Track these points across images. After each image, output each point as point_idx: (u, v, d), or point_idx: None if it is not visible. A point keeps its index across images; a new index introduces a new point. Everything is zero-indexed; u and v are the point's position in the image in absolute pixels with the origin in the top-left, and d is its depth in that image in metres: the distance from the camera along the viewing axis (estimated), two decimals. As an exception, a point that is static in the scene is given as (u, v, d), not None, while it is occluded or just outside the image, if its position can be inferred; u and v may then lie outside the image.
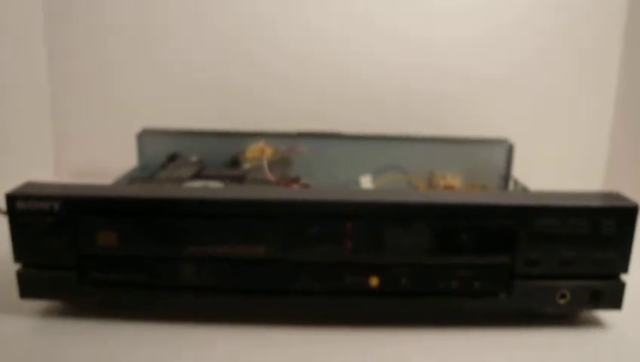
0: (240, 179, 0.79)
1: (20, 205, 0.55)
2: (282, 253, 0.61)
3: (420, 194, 0.69)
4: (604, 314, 0.65)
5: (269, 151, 0.87)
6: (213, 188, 0.70)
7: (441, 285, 0.63)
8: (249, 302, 0.62)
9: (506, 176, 0.93)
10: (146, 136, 0.96)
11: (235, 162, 0.91)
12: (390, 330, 0.62)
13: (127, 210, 0.57)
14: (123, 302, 0.62)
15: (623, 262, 0.60)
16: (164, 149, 0.95)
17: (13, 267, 0.57)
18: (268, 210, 0.59)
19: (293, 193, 0.63)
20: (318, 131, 0.93)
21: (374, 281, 0.63)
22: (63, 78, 1.13)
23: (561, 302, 0.61)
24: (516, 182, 0.87)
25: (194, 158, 0.91)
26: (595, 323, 0.63)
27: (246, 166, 0.88)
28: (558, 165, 1.16)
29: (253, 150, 0.89)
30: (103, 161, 1.07)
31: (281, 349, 0.58)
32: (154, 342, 0.56)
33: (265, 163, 0.83)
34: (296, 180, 0.79)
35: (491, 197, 0.65)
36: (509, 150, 0.94)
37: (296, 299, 0.62)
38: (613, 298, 0.61)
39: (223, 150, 0.93)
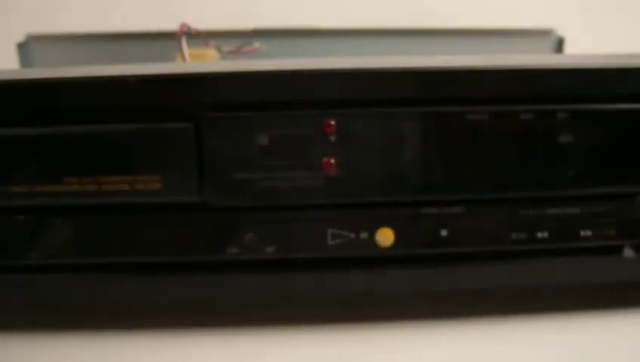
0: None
1: None
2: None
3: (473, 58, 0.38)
4: None
5: (212, 57, 0.64)
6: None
7: (515, 237, 0.39)
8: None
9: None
10: (31, 45, 0.69)
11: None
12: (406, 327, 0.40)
13: None
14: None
15: None
16: (59, 61, 0.70)
17: None
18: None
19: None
20: (281, 27, 0.69)
21: (386, 236, 0.38)
22: None
23: None
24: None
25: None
26: None
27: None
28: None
29: (190, 57, 0.63)
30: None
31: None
32: None
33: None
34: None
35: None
36: (558, 44, 0.71)
37: (239, 278, 0.39)
38: None
39: (147, 58, 0.68)
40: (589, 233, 0.39)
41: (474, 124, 0.36)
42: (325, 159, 0.36)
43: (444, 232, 0.38)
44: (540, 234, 0.39)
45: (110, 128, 0.36)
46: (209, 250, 0.38)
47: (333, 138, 0.36)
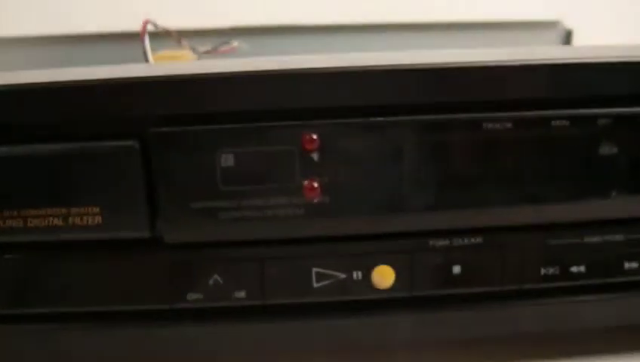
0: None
1: None
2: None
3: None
4: None
5: (186, 59, 0.57)
6: None
7: (545, 273, 0.32)
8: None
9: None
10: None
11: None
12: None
13: None
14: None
15: None
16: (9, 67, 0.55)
17: None
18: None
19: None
20: (263, 24, 0.64)
21: (385, 276, 0.31)
22: None
23: None
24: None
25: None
26: None
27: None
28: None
29: (162, 59, 0.56)
30: None
31: None
32: None
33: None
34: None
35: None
36: (566, 37, 0.66)
37: (203, 330, 0.32)
38: None
39: (111, 63, 0.53)
40: (634, 265, 0.31)
41: (493, 135, 0.29)
42: (306, 182, 0.29)
43: (456, 269, 0.31)
44: (575, 269, 0.31)
45: (37, 149, 0.29)
46: (165, 297, 0.31)
47: (315, 156, 0.28)
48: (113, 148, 0.29)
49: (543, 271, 0.31)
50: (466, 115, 0.29)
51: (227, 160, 0.29)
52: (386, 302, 0.31)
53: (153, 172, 0.29)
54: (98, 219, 0.29)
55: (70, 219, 0.29)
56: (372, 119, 0.28)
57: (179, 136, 0.28)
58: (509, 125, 0.29)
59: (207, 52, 0.59)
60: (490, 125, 0.29)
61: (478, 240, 0.31)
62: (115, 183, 0.29)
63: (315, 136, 0.28)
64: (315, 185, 0.29)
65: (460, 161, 0.29)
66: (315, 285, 0.31)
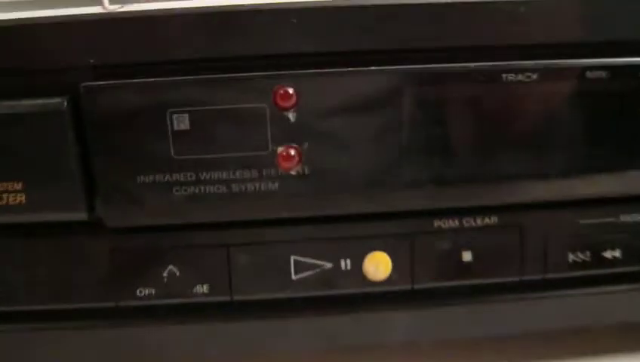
0: None
1: None
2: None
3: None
4: None
5: None
6: None
7: (573, 258, 0.26)
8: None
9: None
10: None
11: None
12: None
13: None
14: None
15: None
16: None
17: None
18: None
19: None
20: None
21: (379, 264, 0.26)
22: None
23: None
24: None
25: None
26: None
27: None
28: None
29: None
30: None
31: None
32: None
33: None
34: None
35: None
36: None
37: (157, 331, 0.27)
38: None
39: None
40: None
41: (514, 89, 0.23)
42: (281, 149, 0.23)
43: (467, 256, 0.25)
44: (608, 254, 0.26)
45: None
46: (110, 294, 0.25)
47: (292, 115, 0.23)
48: (36, 108, 0.22)
49: (570, 257, 0.26)
50: (481, 65, 0.23)
51: (180, 121, 0.23)
52: (381, 297, 0.26)
53: (88, 138, 0.23)
54: (21, 198, 0.23)
55: (-13, 198, 0.23)
56: (363, 68, 0.22)
57: (118, 91, 0.22)
58: (533, 77, 0.23)
59: None
60: (510, 77, 0.23)
61: (494, 220, 0.26)
62: (40, 153, 0.23)
63: (290, 90, 0.22)
64: (292, 152, 0.23)
65: (471, 122, 0.24)
66: (294, 277, 0.25)
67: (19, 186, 0.23)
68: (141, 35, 0.22)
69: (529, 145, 0.24)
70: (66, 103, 0.22)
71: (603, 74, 0.23)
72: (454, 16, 0.23)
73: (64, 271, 0.25)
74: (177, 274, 0.25)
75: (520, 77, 0.23)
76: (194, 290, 0.25)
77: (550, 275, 0.26)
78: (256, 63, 0.22)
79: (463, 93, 0.23)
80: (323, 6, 0.22)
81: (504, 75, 0.23)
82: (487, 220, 0.26)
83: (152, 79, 0.22)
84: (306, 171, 0.23)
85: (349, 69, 0.22)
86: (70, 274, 0.25)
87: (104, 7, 0.34)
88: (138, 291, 0.25)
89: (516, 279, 0.26)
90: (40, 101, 0.22)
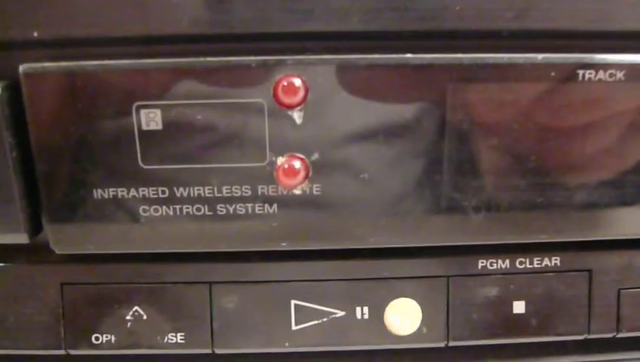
0: None
1: None
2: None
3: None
4: None
5: None
6: None
7: None
8: None
9: None
10: None
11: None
12: None
13: None
14: None
15: None
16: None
17: None
18: None
19: None
20: None
21: (406, 314, 0.20)
22: None
23: None
24: None
25: None
26: None
27: None
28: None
29: None
30: None
31: None
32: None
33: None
34: None
35: None
36: None
37: None
38: None
39: None
40: None
41: (593, 91, 0.17)
42: (282, 160, 0.17)
43: (519, 306, 0.20)
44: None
45: None
46: (60, 339, 0.20)
47: (298, 115, 0.17)
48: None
49: (654, 311, 0.20)
50: (548, 57, 0.17)
51: (150, 119, 0.17)
52: (407, 356, 0.20)
53: (31, 138, 0.17)
54: (-56, 214, 0.18)
55: None
56: (395, 56, 0.17)
57: (69, 76, 0.17)
58: (618, 76, 0.17)
59: None
60: (588, 74, 0.17)
61: (555, 262, 0.20)
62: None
63: (297, 82, 0.17)
64: (297, 165, 0.17)
65: (533, 133, 0.18)
66: (295, 326, 0.20)
67: (-58, 198, 0.18)
68: (103, 1, 0.17)
69: (608, 165, 0.18)
70: (4, 89, 0.17)
71: None
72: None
73: (3, 309, 0.20)
74: (145, 317, 0.20)
75: (601, 75, 0.17)
76: (165, 339, 0.20)
77: (623, 334, 0.21)
78: (253, 45, 0.17)
79: (524, 94, 0.18)
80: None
81: (580, 72, 0.17)
82: (546, 262, 0.20)
83: (115, 61, 0.17)
84: (314, 190, 0.18)
85: (376, 56, 0.17)
86: (11, 313, 0.20)
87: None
88: (94, 337, 0.20)
89: (581, 337, 0.20)
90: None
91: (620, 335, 0.21)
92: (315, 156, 0.18)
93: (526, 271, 0.20)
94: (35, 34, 0.17)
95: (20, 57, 0.17)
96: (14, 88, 0.17)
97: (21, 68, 0.17)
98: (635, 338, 0.21)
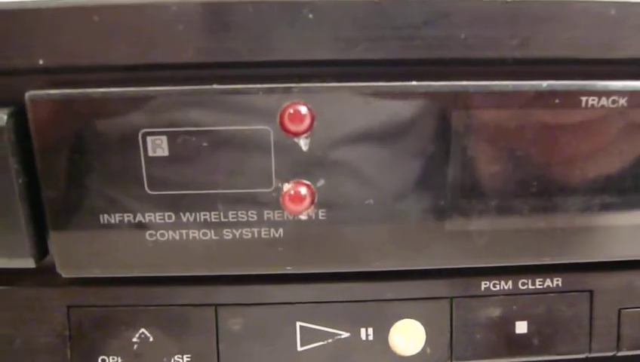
0: None
1: None
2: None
3: None
4: None
5: None
6: None
7: None
8: None
9: None
10: None
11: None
12: None
13: None
14: None
15: None
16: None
17: None
18: None
19: None
20: None
21: (410, 335, 0.20)
22: None
23: None
24: None
25: None
26: None
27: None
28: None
29: None
30: None
31: None
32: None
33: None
34: None
35: None
36: None
37: None
38: None
39: None
40: None
41: (596, 117, 0.18)
42: (288, 186, 0.17)
43: (522, 327, 0.20)
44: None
45: None
46: (71, 361, 0.20)
47: (304, 142, 0.17)
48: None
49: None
50: (553, 84, 0.17)
51: (157, 146, 0.17)
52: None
53: (37, 164, 0.17)
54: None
55: None
56: (400, 84, 0.17)
57: (76, 103, 0.17)
58: (621, 102, 0.18)
59: None
60: (591, 101, 0.17)
61: (557, 283, 0.20)
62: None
63: (303, 110, 0.17)
64: (303, 191, 0.17)
65: (536, 157, 0.18)
66: (300, 348, 0.20)
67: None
68: (108, 30, 0.17)
69: (610, 188, 0.18)
70: (6, 118, 0.17)
71: None
72: (519, 15, 0.17)
73: (9, 333, 0.20)
74: (151, 339, 0.20)
75: (604, 101, 0.18)
76: (172, 361, 0.20)
77: (624, 352, 0.21)
78: (259, 72, 0.17)
79: (528, 120, 0.18)
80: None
81: (583, 99, 0.17)
82: (548, 283, 0.20)
83: (121, 89, 0.17)
84: (320, 215, 0.18)
85: (382, 83, 0.17)
86: (18, 335, 0.20)
87: None
88: (101, 360, 0.20)
89: (582, 356, 0.21)
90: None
91: (621, 353, 0.21)
92: (321, 182, 0.18)
93: (528, 292, 0.20)
94: (41, 62, 0.17)
95: (26, 83, 0.17)
96: (20, 114, 0.17)
97: (27, 95, 0.17)
98: (635, 357, 0.21)
